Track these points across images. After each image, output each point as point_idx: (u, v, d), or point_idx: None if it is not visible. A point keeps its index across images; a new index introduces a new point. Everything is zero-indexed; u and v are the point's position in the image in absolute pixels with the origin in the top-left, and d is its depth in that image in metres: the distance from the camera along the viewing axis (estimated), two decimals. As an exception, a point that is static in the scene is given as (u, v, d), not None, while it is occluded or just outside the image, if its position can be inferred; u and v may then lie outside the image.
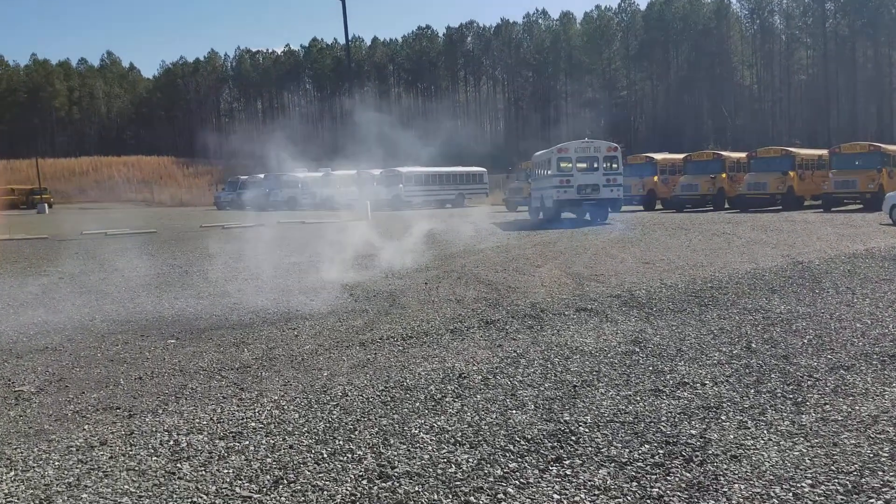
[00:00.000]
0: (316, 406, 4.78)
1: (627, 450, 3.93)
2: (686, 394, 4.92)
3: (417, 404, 4.77)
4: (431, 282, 10.70)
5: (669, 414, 4.50)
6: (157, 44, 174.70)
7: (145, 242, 20.05)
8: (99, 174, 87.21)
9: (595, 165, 23.37)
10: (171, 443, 4.18)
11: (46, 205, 57.55)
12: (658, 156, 35.01)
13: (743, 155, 32.60)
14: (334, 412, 4.64)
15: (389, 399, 4.90)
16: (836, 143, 34.43)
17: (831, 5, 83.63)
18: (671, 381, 5.21)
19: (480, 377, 5.40)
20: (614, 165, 23.61)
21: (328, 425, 4.38)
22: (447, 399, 4.87)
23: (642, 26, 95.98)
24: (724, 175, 30.92)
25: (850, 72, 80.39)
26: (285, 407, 4.78)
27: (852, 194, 26.53)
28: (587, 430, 4.23)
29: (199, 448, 4.09)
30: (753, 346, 6.26)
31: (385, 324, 7.62)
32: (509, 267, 12.26)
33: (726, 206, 31.11)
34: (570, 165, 23.32)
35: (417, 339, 6.84)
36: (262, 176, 56.21)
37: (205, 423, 4.50)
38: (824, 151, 31.14)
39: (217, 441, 4.18)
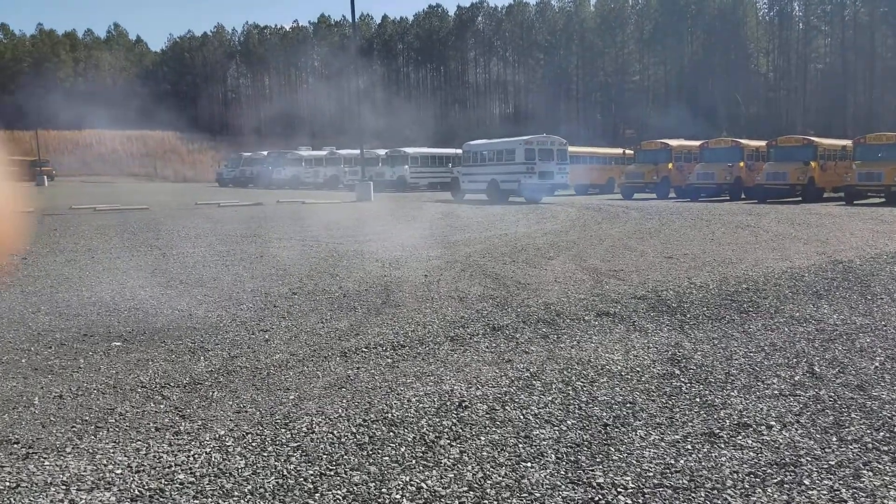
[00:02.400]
0: (271, 448, 3.66)
1: (690, 540, 2.81)
2: (750, 441, 3.81)
3: (403, 449, 3.66)
4: (432, 273, 9.59)
5: (735, 475, 3.38)
6: (164, 17, 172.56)
7: (132, 219, 18.95)
8: (103, 147, 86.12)
9: (552, 156, 28.01)
10: None
11: (46, 177, 56.66)
12: (674, 142, 33.62)
13: (761, 143, 31.20)
14: (293, 459, 3.53)
15: (367, 440, 3.79)
16: (852, 135, 32.92)
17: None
18: (728, 422, 4.09)
19: (485, 407, 4.29)
20: (564, 156, 28.59)
21: (280, 482, 3.27)
22: (442, 442, 3.75)
23: (657, 10, 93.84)
24: (742, 164, 29.57)
25: (868, 61, 78.41)
26: (230, 448, 3.66)
27: (877, 187, 25.20)
28: (629, 501, 3.11)
29: (102, 513, 3.00)
30: (817, 370, 5.14)
31: (374, 326, 6.50)
32: (518, 258, 11.13)
33: (743, 196, 29.80)
34: (534, 155, 27.57)
35: (411, 348, 5.72)
36: (265, 153, 55.28)
37: (119, 471, 3.39)
38: (847, 142, 29.78)
39: (126, 504, 3.07)
